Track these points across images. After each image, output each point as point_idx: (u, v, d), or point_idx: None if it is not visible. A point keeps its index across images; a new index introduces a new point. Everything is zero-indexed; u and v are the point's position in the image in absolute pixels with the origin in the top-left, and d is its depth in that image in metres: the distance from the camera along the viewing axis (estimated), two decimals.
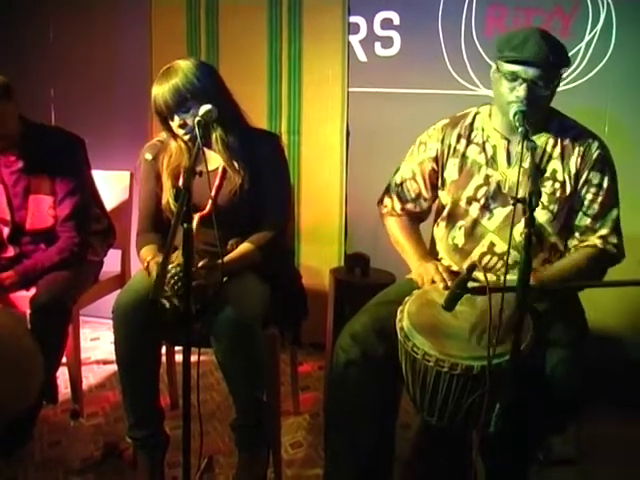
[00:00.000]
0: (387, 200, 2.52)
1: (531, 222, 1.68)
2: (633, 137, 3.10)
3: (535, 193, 1.69)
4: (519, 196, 1.71)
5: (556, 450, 2.00)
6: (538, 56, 2.04)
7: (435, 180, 2.40)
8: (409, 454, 2.49)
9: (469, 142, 2.32)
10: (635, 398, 3.02)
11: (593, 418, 2.17)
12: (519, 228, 2.15)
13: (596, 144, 2.22)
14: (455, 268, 2.32)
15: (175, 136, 2.45)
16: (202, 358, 2.23)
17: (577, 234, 2.26)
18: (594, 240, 2.24)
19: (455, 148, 2.33)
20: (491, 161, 2.27)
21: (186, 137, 2.35)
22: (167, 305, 2.19)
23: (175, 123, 2.35)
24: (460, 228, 2.33)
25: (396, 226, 2.50)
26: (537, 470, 2.03)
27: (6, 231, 2.87)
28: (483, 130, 2.31)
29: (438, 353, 1.90)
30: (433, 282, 2.22)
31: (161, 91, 2.34)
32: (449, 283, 2.15)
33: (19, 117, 2.76)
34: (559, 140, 2.22)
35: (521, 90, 2.08)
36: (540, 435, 2.00)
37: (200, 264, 2.20)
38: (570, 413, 1.99)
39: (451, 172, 2.34)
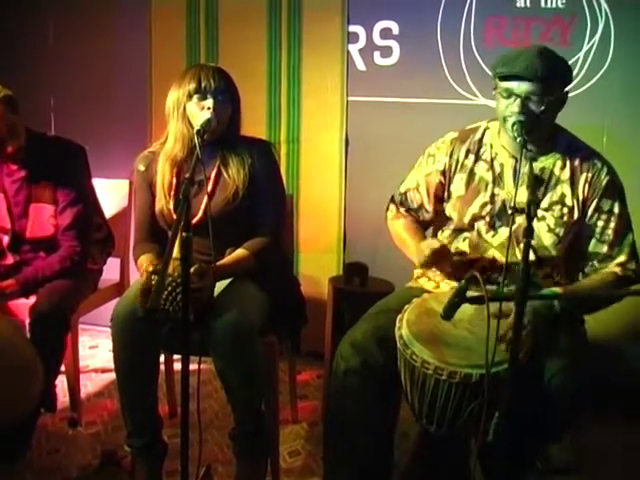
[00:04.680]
0: (392, 206, 2.54)
1: (529, 232, 1.68)
2: (631, 147, 3.10)
3: (534, 202, 1.69)
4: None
5: (555, 458, 2.00)
6: (527, 70, 2.04)
7: (441, 193, 2.39)
8: (408, 462, 2.49)
9: (477, 158, 2.31)
10: (633, 406, 3.02)
11: (593, 427, 2.17)
12: (522, 247, 2.15)
13: (605, 170, 2.20)
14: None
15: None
16: (201, 366, 2.23)
17: (595, 262, 2.25)
18: (613, 268, 2.23)
19: (463, 163, 2.32)
20: (498, 179, 2.27)
21: (203, 118, 2.27)
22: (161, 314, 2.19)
23: (207, 103, 2.37)
24: (464, 240, 2.33)
25: (400, 225, 2.48)
26: (536, 478, 2.03)
27: (6, 239, 2.87)
28: (492, 147, 2.30)
29: (437, 361, 1.90)
30: (433, 257, 2.17)
31: (212, 69, 2.43)
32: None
33: None
34: (568, 162, 2.21)
35: (515, 106, 2.08)
36: (538, 443, 2.00)
37: (191, 270, 2.18)
38: (568, 422, 1.99)
39: (458, 187, 2.33)
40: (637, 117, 3.11)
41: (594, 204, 2.20)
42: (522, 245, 2.09)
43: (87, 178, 2.95)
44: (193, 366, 1.97)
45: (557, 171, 2.22)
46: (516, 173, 2.23)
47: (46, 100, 3.98)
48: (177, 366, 2.77)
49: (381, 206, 2.58)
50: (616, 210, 2.21)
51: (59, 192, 2.80)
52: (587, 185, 2.20)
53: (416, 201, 2.45)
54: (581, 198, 2.20)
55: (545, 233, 2.20)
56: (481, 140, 2.33)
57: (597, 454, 2.54)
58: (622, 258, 2.22)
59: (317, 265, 3.66)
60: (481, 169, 2.30)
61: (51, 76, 3.97)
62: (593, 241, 2.23)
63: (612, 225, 2.21)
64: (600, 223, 2.21)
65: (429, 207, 2.44)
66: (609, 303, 2.21)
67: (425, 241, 2.28)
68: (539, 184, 2.18)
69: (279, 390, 2.69)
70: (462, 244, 2.34)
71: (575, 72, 3.12)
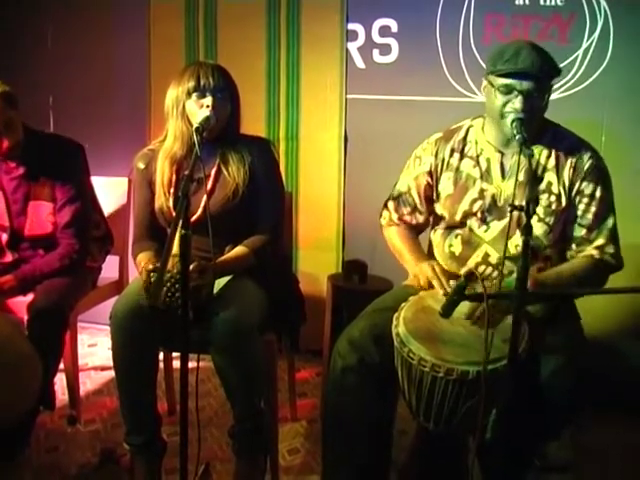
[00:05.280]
0: (385, 212, 2.54)
1: (528, 229, 1.69)
2: (630, 145, 3.10)
3: (533, 200, 1.69)
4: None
5: (552, 456, 2.00)
6: (532, 67, 2.04)
7: (430, 194, 2.40)
8: (406, 459, 2.49)
9: (463, 156, 2.32)
10: (633, 404, 3.02)
11: (593, 426, 2.17)
12: (514, 240, 2.16)
13: (588, 154, 2.22)
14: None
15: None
16: (200, 364, 2.23)
17: (574, 245, 2.27)
18: (591, 251, 2.24)
19: (449, 162, 2.33)
20: (485, 175, 2.28)
21: (202, 116, 2.26)
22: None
23: (206, 101, 2.36)
24: (457, 236, 2.34)
25: (395, 234, 2.50)
26: (534, 476, 2.03)
27: (4, 237, 2.87)
28: (477, 143, 2.31)
29: (434, 359, 1.90)
30: (430, 285, 2.22)
31: (211, 67, 2.42)
32: (447, 288, 2.14)
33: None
34: (553, 151, 2.22)
35: (517, 102, 2.08)
36: (536, 441, 2.00)
37: (191, 267, 2.18)
38: (566, 419, 1.99)
39: (446, 186, 2.34)
40: (636, 115, 3.11)
41: (576, 187, 2.21)
42: (514, 239, 2.13)
43: (86, 176, 2.95)
44: (192, 364, 1.98)
45: (543, 160, 2.23)
46: (503, 167, 2.25)
47: (45, 100, 3.99)
48: (176, 364, 2.77)
49: (380, 203, 2.57)
50: (598, 194, 2.21)
51: (58, 190, 2.81)
52: (572, 170, 2.20)
53: (409, 204, 2.45)
54: (567, 184, 2.21)
55: (536, 223, 2.19)
56: (465, 138, 2.34)
57: (597, 454, 2.54)
58: (600, 241, 2.23)
59: (316, 262, 3.66)
60: (467, 166, 2.30)
61: (50, 76, 3.97)
62: (575, 225, 2.25)
63: (593, 209, 2.22)
64: (581, 207, 2.22)
65: (422, 209, 2.45)
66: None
67: (422, 264, 2.29)
68: (537, 182, 2.18)
69: (278, 388, 2.68)
70: (455, 241, 2.34)
71: (574, 70, 3.13)
